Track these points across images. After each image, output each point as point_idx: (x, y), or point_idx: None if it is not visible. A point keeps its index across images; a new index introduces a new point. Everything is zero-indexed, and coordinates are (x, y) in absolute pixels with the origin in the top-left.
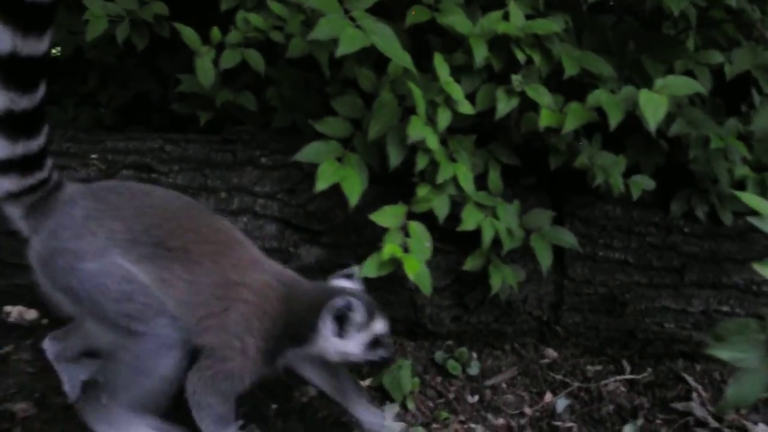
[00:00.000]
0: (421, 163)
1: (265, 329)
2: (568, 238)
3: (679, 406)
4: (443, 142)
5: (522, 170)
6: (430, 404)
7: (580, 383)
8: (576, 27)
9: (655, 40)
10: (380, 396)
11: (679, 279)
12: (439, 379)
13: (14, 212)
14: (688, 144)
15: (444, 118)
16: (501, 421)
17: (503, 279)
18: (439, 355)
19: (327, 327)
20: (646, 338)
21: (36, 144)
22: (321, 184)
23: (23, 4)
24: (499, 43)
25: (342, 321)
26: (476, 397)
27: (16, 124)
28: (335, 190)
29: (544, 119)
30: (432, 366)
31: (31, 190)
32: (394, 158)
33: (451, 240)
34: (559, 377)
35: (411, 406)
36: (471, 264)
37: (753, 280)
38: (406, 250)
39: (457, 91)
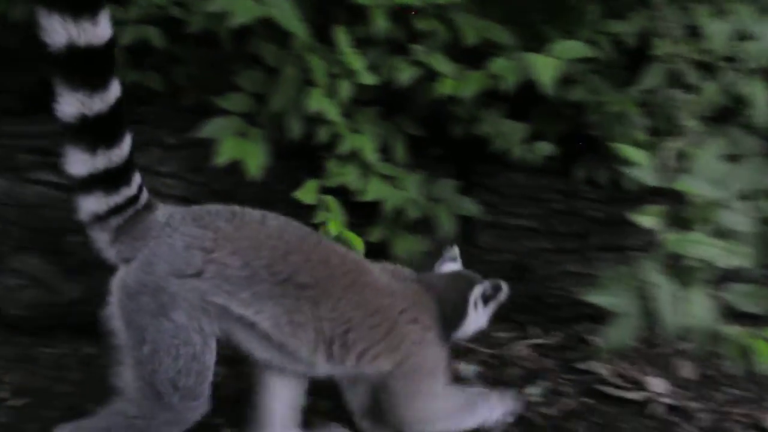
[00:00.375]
0: (322, 135)
1: (431, 323)
2: (471, 207)
3: (582, 365)
4: (348, 114)
5: (429, 141)
6: None
7: (489, 350)
8: None
9: (558, 9)
10: None
11: (583, 243)
12: None
13: (101, 238)
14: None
15: (345, 90)
16: None
17: (408, 248)
18: None
19: (477, 309)
20: (554, 303)
21: (118, 154)
22: (220, 158)
23: None
24: (401, 14)
25: (487, 301)
26: None
27: (92, 132)
28: (241, 167)
29: (444, 87)
30: None
31: (118, 210)
32: (295, 131)
33: (356, 213)
34: (468, 345)
35: None
36: (375, 235)
37: (653, 242)
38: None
39: (356, 62)
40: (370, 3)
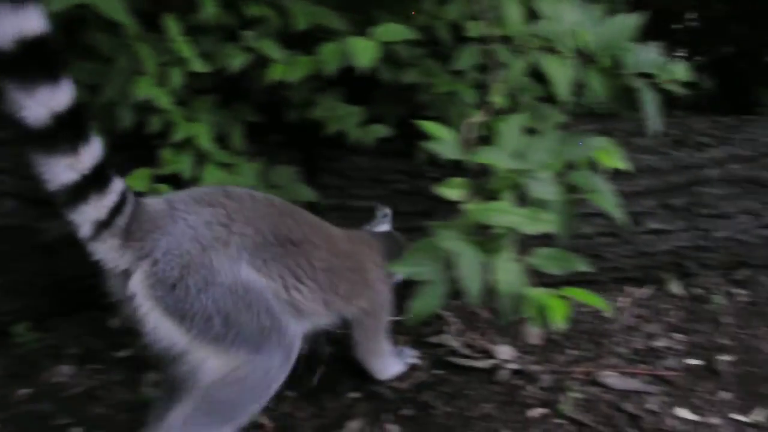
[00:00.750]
0: (155, 124)
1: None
2: (308, 193)
3: (435, 339)
4: (184, 102)
5: (271, 128)
6: None
7: (345, 330)
8: None
9: None
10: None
11: (427, 221)
12: None
13: (110, 244)
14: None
15: (176, 78)
16: None
17: None
18: None
19: None
20: None
21: (96, 147)
22: None
23: None
24: (232, 1)
25: None
26: None
27: (68, 129)
28: None
29: (275, 73)
30: None
31: (118, 209)
32: (125, 120)
33: None
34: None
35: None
36: None
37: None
38: None
39: (186, 50)
40: None
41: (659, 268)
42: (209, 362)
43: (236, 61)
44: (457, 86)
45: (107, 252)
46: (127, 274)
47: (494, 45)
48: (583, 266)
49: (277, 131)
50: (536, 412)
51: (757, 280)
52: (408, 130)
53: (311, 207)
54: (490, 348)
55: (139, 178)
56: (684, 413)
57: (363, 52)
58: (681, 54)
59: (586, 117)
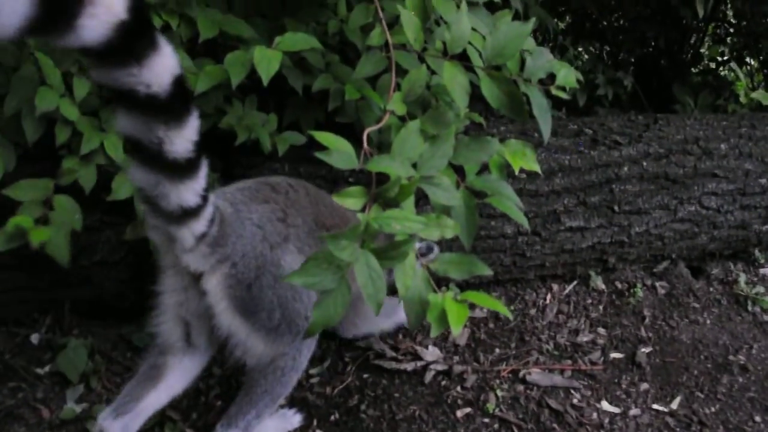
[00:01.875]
0: (61, 135)
1: None
2: None
3: (362, 343)
4: (94, 112)
5: None
6: (118, 380)
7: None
8: None
9: (303, 2)
10: (62, 381)
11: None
12: (128, 354)
13: (201, 252)
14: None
15: (81, 88)
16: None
17: None
18: (126, 330)
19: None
20: None
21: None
22: None
23: None
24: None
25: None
26: None
27: (198, 159)
28: None
29: None
30: (121, 342)
31: (213, 221)
32: (31, 133)
33: (119, 212)
34: None
35: (95, 384)
36: (131, 233)
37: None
38: (47, 222)
39: None
40: None
41: (581, 264)
42: (258, 349)
43: None
44: (367, 92)
45: (198, 259)
46: (201, 275)
47: (396, 52)
48: (485, 270)
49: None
50: (463, 411)
51: (675, 272)
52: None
53: None
54: (418, 350)
55: (31, 188)
56: (606, 406)
57: (267, 63)
58: (604, 53)
59: (503, 118)
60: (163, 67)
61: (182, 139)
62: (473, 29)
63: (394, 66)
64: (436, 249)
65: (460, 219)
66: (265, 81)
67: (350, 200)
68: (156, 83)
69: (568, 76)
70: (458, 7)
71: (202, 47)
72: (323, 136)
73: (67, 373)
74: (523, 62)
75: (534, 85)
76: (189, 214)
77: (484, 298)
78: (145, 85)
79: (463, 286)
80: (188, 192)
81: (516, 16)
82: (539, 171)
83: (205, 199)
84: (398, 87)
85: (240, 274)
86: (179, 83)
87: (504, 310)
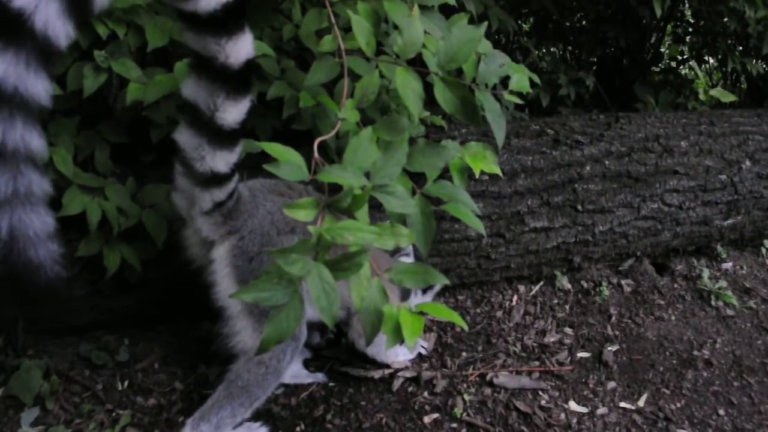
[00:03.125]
0: None
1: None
2: None
3: (328, 352)
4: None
5: (141, 147)
6: (76, 400)
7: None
8: None
9: (257, 7)
10: (16, 404)
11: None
12: (87, 372)
13: (213, 220)
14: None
15: None
16: (152, 401)
17: (123, 259)
18: (84, 348)
19: (417, 294)
20: None
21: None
22: None
23: None
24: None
25: (425, 291)
26: (126, 383)
27: (237, 134)
28: None
29: (131, 93)
30: (79, 360)
31: (232, 195)
32: None
33: (71, 227)
34: (213, 348)
35: (51, 405)
36: (85, 249)
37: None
38: None
39: None
40: None
41: (547, 264)
42: (244, 335)
43: (92, 82)
44: (322, 98)
45: (210, 226)
46: (212, 244)
47: (349, 58)
48: (441, 279)
49: (149, 150)
50: (431, 417)
51: (640, 269)
52: (284, 142)
53: None
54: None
55: None
56: (574, 406)
57: None
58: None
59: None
60: (244, 45)
61: (234, 112)
62: (427, 33)
63: (347, 72)
64: (437, 286)
65: (417, 226)
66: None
67: (301, 212)
68: (233, 57)
69: (521, 80)
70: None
71: (152, 56)
72: (273, 148)
73: (21, 395)
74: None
75: (487, 90)
76: (215, 180)
77: (440, 309)
78: (225, 56)
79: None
80: (222, 160)
81: (472, 20)
82: (500, 173)
83: (233, 172)
84: (353, 93)
85: (245, 246)
86: (249, 64)
87: (460, 321)
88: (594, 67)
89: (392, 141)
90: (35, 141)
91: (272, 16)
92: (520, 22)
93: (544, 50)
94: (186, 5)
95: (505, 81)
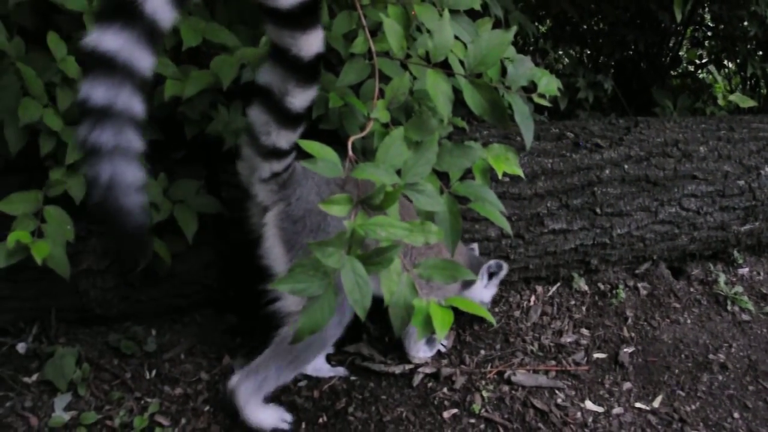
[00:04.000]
0: (45, 146)
1: None
2: (213, 205)
3: (351, 348)
4: (77, 122)
5: (173, 144)
6: (106, 387)
7: (255, 343)
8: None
9: None
10: (50, 389)
11: None
12: (115, 361)
13: (269, 188)
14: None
15: (64, 98)
16: (178, 390)
17: (155, 251)
18: (113, 338)
19: (483, 281)
20: None
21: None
22: None
23: None
24: None
25: (491, 276)
26: (154, 372)
27: (301, 116)
28: None
29: (169, 89)
30: (108, 349)
31: (287, 168)
32: (14, 144)
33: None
34: (238, 340)
35: (83, 392)
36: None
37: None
38: (41, 235)
39: (73, 69)
40: (84, 9)
41: (564, 266)
42: (289, 298)
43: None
44: (350, 99)
45: (266, 193)
46: (266, 209)
47: (379, 59)
48: (468, 275)
49: (179, 147)
50: (450, 412)
51: (656, 272)
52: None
53: (216, 219)
54: (404, 353)
55: (21, 201)
56: (590, 405)
57: (227, 69)
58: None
59: (486, 122)
60: (315, 40)
61: (302, 98)
62: (456, 37)
63: (377, 73)
64: (505, 266)
65: (444, 224)
66: (224, 85)
67: (336, 207)
68: (305, 50)
69: (549, 84)
70: (441, 15)
71: (186, 55)
72: (309, 145)
73: (55, 381)
74: (504, 70)
75: (515, 93)
76: (276, 154)
77: (468, 304)
78: (297, 48)
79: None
80: (284, 138)
81: (497, 23)
82: (522, 174)
83: (291, 149)
84: (382, 94)
85: (291, 210)
86: (318, 58)
87: (487, 315)
88: (612, 71)
89: (422, 141)
90: (137, 106)
91: None
92: (537, 24)
93: (561, 53)
94: (268, 1)
95: (527, 85)
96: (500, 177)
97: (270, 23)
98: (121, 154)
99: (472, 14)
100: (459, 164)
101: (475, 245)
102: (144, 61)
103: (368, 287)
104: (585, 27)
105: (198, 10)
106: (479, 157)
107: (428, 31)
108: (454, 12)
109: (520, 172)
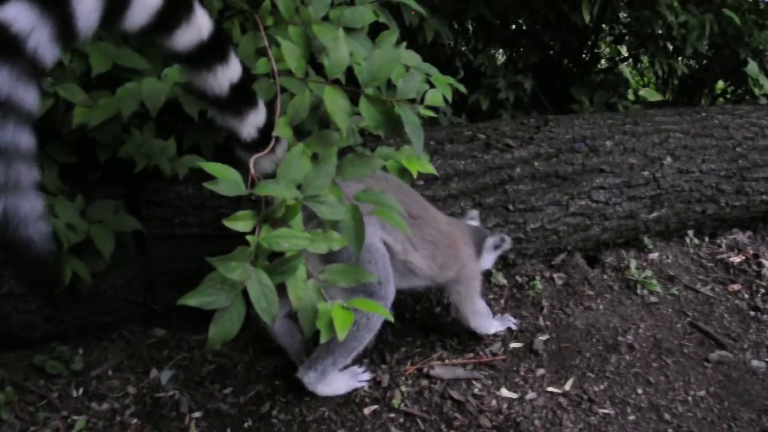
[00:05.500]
0: None
1: (473, 249)
2: (130, 223)
3: (274, 359)
4: None
5: (90, 165)
6: (31, 409)
7: (186, 353)
8: None
9: None
10: None
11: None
12: (41, 382)
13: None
14: None
15: None
16: (105, 406)
17: (75, 272)
18: (38, 359)
19: (488, 253)
20: None
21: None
22: None
23: None
24: None
25: (495, 248)
26: (81, 390)
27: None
28: None
29: (77, 116)
30: (33, 371)
31: None
32: None
33: None
34: (165, 353)
35: (6, 415)
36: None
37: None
38: None
39: None
40: None
41: None
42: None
43: (40, 107)
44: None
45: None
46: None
47: (282, 78)
48: (370, 278)
49: (96, 168)
50: (370, 409)
51: (572, 262)
52: (226, 155)
53: (136, 237)
54: None
55: None
56: (505, 393)
57: (154, 95)
58: (508, 57)
59: None
60: (223, 77)
61: (254, 123)
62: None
63: (279, 92)
64: (508, 240)
65: (349, 231)
66: (153, 113)
67: (240, 223)
68: (217, 88)
69: (436, 95)
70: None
71: (98, 80)
72: (211, 167)
73: None
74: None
75: (405, 105)
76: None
77: (369, 304)
78: (211, 88)
79: None
80: (266, 163)
81: (409, 30)
82: (435, 173)
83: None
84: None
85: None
86: (236, 88)
87: (388, 315)
88: (535, 70)
89: (323, 154)
90: (25, 140)
91: None
92: (462, 26)
93: (482, 55)
94: (167, 45)
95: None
96: (416, 176)
97: (182, 63)
98: (14, 188)
99: (380, 27)
100: (361, 173)
101: (476, 212)
102: (28, 96)
103: (274, 296)
104: (507, 29)
105: (108, 36)
106: (390, 160)
107: (324, 49)
108: (351, 30)
109: (432, 169)
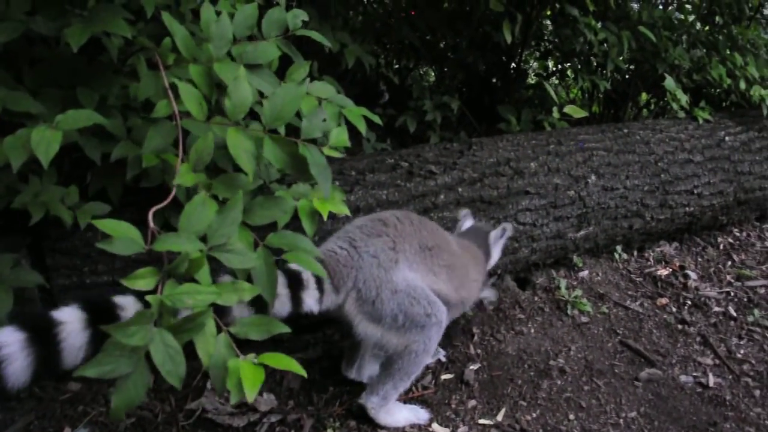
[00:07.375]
0: None
1: (482, 266)
2: (32, 278)
3: (193, 405)
4: None
5: None
6: None
7: (102, 408)
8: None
9: (92, 71)
10: None
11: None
12: None
13: (328, 301)
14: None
15: None
16: None
17: None
18: None
19: (495, 247)
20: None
21: None
22: None
23: None
24: None
25: (500, 238)
26: None
27: None
28: None
29: None
30: None
31: (319, 287)
32: None
33: None
34: (80, 408)
35: None
36: None
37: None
38: None
39: None
40: None
41: None
42: (393, 341)
43: None
44: (167, 157)
45: (331, 300)
46: (342, 305)
47: (184, 121)
48: (283, 329)
49: None
50: None
51: (503, 285)
52: (138, 198)
53: (43, 289)
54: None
55: None
56: (437, 428)
57: (47, 144)
58: (435, 78)
59: None
60: None
61: None
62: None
63: (181, 137)
64: (509, 227)
65: (261, 277)
66: (45, 164)
67: (141, 282)
68: None
69: (340, 135)
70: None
71: None
72: (105, 225)
73: None
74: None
75: (311, 145)
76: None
77: (281, 360)
78: None
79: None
80: (311, 299)
81: (330, 57)
82: (348, 212)
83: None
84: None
85: (364, 295)
86: None
87: (300, 370)
88: (463, 89)
89: (228, 200)
90: None
91: (113, 78)
92: (387, 47)
93: (411, 76)
94: None
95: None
96: (326, 218)
97: None
98: None
99: (288, 62)
100: (271, 216)
101: (467, 211)
102: None
103: (181, 357)
104: (433, 49)
105: (1, 77)
106: (301, 201)
107: (227, 89)
108: (255, 66)
109: (345, 209)
